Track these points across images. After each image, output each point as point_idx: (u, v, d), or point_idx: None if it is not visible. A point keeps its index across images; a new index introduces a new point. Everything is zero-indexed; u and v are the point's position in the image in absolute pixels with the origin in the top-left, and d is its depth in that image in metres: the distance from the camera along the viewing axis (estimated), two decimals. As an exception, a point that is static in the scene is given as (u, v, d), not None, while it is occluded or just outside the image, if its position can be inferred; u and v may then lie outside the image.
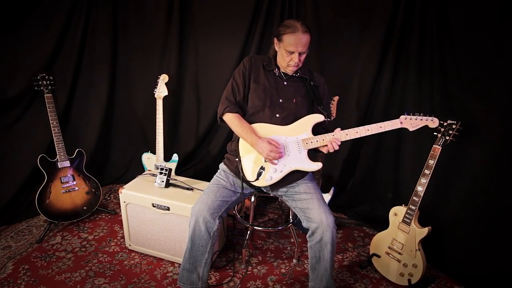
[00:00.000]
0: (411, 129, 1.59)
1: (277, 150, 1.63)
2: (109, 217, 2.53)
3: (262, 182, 1.71)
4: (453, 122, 1.76)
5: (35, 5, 2.36)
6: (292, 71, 1.73)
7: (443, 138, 1.79)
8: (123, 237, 2.27)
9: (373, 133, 1.59)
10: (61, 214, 2.31)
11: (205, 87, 2.86)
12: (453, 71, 2.07)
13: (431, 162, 1.82)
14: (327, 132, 1.66)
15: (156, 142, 2.63)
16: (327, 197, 2.41)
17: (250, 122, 1.74)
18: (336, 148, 1.61)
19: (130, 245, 2.15)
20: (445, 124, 1.78)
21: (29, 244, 2.18)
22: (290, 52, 1.62)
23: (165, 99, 2.61)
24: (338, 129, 1.64)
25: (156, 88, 2.58)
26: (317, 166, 1.68)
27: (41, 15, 2.39)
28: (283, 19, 2.52)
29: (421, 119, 1.58)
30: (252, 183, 1.72)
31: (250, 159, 1.74)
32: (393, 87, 2.46)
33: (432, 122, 1.58)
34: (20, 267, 1.97)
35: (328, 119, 1.72)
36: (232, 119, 1.74)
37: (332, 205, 1.94)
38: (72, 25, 2.53)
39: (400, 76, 2.41)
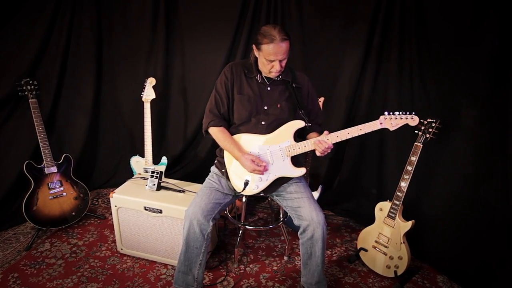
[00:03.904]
0: (391, 129, 1.59)
1: (260, 169, 1.67)
2: (98, 221, 2.52)
3: (249, 191, 1.76)
4: (433, 120, 1.86)
5: (18, 9, 2.31)
6: (275, 76, 1.73)
7: (423, 136, 1.88)
8: (114, 241, 2.26)
9: (354, 135, 1.60)
10: (49, 220, 2.29)
11: (192, 90, 2.88)
12: (431, 70, 2.17)
13: (413, 159, 1.91)
14: (319, 127, 1.66)
15: (144, 145, 2.64)
16: (316, 195, 2.48)
17: (237, 132, 1.77)
18: (326, 146, 1.59)
19: (122, 249, 2.15)
20: (425, 122, 1.87)
21: (17, 252, 2.14)
22: (270, 60, 1.62)
23: (152, 102, 2.61)
24: (326, 132, 1.65)
25: (143, 91, 2.58)
26: (300, 172, 1.71)
27: (23, 19, 2.35)
28: (269, 21, 2.56)
29: (401, 118, 1.57)
30: (240, 192, 1.76)
31: (236, 169, 1.78)
32: (375, 86, 2.53)
33: (412, 120, 1.57)
34: (9, 276, 1.94)
35: (309, 124, 1.73)
36: (216, 134, 1.77)
37: (320, 203, 2.01)
38: (55, 29, 2.49)
39: (382, 75, 2.50)
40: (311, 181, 2.54)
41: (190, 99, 2.91)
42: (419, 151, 1.89)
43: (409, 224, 1.95)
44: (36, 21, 2.40)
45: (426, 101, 2.20)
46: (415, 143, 1.90)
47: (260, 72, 1.76)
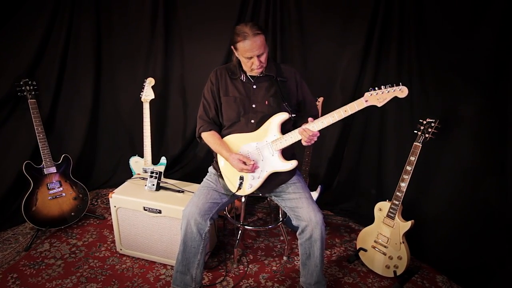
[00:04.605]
0: (379, 105, 1.50)
1: (248, 168, 1.66)
2: (98, 222, 2.52)
3: (243, 191, 1.75)
4: (432, 120, 1.85)
5: (17, 9, 2.32)
6: (258, 73, 1.72)
7: (422, 136, 1.88)
8: (113, 241, 2.26)
9: (340, 118, 1.52)
10: (48, 220, 2.29)
11: (192, 90, 2.87)
12: (431, 69, 2.16)
13: (412, 159, 1.90)
14: (315, 119, 1.61)
15: (144, 146, 2.64)
16: (315, 195, 2.48)
17: (228, 133, 1.77)
18: (311, 134, 1.55)
19: (121, 250, 2.15)
20: (424, 122, 1.87)
21: (16, 253, 2.14)
22: (248, 58, 1.62)
23: (151, 102, 2.61)
24: (310, 119, 1.59)
25: (142, 91, 2.58)
26: (291, 165, 1.68)
27: (23, 19, 2.35)
28: (267, 20, 2.56)
29: (388, 91, 1.46)
30: (234, 193, 1.76)
31: (229, 171, 1.78)
32: (375, 85, 2.52)
33: (401, 91, 1.45)
34: (9, 276, 1.94)
35: (293, 115, 1.69)
36: (206, 138, 1.79)
37: (319, 203, 2.01)
38: (55, 29, 2.50)
39: (381, 75, 2.48)
40: (310, 181, 2.54)
41: (189, 99, 2.90)
42: (418, 151, 1.88)
43: (408, 224, 1.94)
44: (35, 21, 2.40)
45: (425, 100, 2.20)
46: (414, 143, 1.90)
47: (244, 72, 1.76)
